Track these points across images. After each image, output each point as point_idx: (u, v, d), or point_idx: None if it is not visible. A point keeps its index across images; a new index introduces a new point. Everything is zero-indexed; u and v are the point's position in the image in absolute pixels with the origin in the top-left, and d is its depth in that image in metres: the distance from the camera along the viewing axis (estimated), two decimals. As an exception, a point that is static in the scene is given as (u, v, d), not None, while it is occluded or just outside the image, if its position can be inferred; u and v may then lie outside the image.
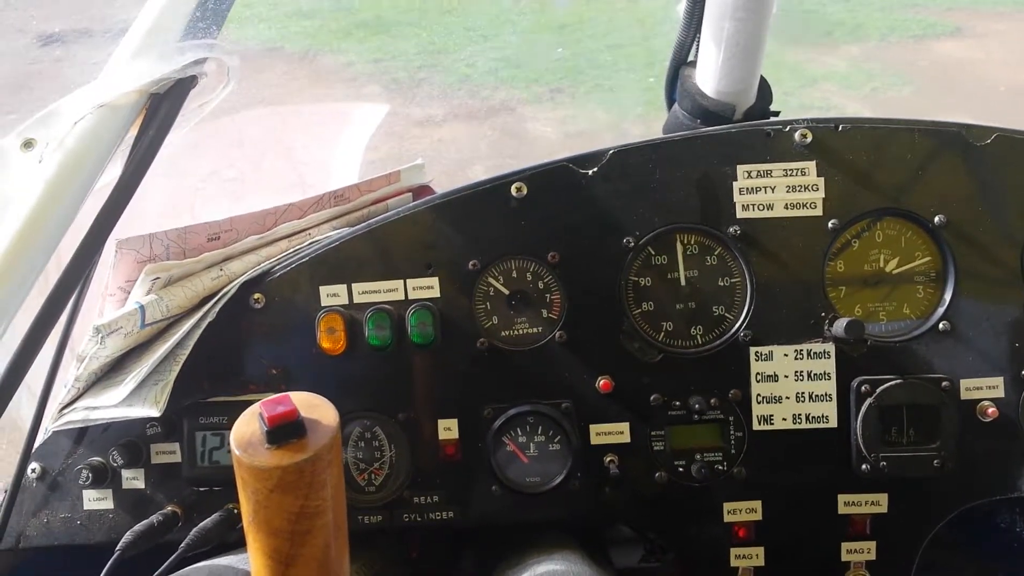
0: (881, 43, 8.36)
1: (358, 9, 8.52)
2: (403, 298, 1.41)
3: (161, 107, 1.27)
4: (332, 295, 1.41)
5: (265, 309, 1.41)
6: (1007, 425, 1.40)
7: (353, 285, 1.41)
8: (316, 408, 0.82)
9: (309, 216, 1.53)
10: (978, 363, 1.41)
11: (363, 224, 1.44)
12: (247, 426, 0.81)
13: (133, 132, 1.29)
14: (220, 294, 1.38)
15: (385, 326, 1.39)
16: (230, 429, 1.32)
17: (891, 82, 7.43)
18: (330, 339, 1.39)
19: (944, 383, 1.38)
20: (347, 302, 1.41)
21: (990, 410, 1.37)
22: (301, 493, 0.78)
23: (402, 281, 1.41)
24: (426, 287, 1.41)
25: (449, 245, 1.42)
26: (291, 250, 1.46)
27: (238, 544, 1.35)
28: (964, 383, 1.40)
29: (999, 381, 1.40)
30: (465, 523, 1.43)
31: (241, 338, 1.42)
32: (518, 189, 1.41)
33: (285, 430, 0.78)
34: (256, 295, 1.41)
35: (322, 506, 0.80)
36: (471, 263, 1.41)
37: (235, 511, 1.36)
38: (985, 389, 1.40)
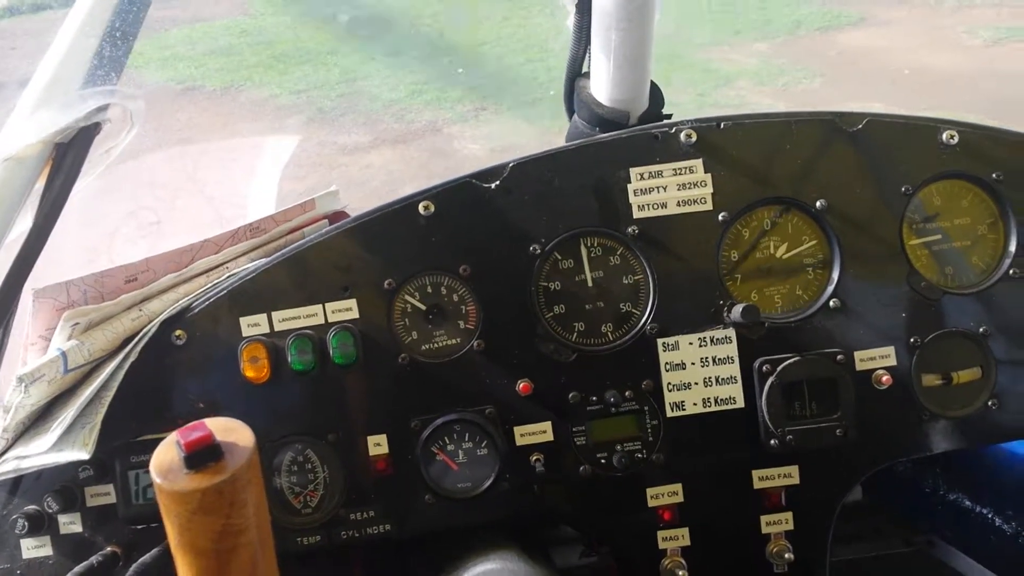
0: (789, 37, 8.65)
1: (276, 42, 8.52)
2: (323, 322, 1.45)
3: (67, 156, 1.31)
4: (253, 325, 1.45)
5: (187, 345, 1.44)
6: (902, 391, 1.50)
7: (273, 313, 1.45)
8: (232, 431, 0.86)
9: (226, 250, 1.56)
10: (869, 335, 1.50)
11: (278, 253, 1.48)
12: (165, 454, 0.85)
13: (41, 183, 1.32)
14: (141, 334, 1.41)
15: (307, 350, 1.43)
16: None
17: (801, 75, 7.70)
18: (254, 368, 1.43)
19: (839, 356, 1.48)
20: (268, 331, 1.45)
21: (884, 378, 1.47)
22: (223, 513, 0.82)
23: (321, 306, 1.46)
24: (345, 309, 1.46)
25: (364, 266, 1.47)
26: (209, 285, 1.50)
27: None
28: (858, 355, 1.49)
29: (891, 350, 1.50)
30: (402, 535, 1.48)
31: (166, 375, 1.44)
32: (425, 207, 1.47)
33: (202, 454, 0.82)
34: (177, 332, 1.43)
35: (244, 524, 0.84)
36: (387, 282, 1.46)
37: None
38: (878, 359, 1.50)
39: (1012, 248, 1.53)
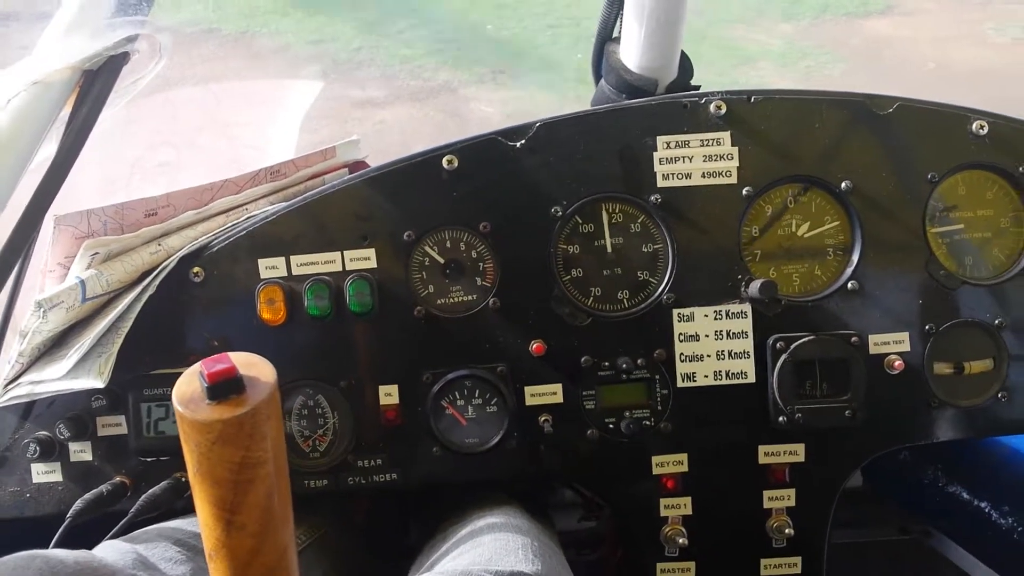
0: (815, 21, 8.54)
1: (295, -11, 8.41)
2: (341, 269, 1.46)
3: (95, 83, 1.29)
4: (271, 267, 1.45)
5: (205, 282, 1.44)
6: (913, 377, 1.50)
7: (291, 257, 1.45)
8: (254, 366, 0.87)
9: (246, 191, 1.56)
10: (885, 320, 1.50)
11: (299, 198, 1.48)
12: (188, 384, 0.85)
13: (67, 109, 1.31)
14: (160, 268, 1.41)
15: (324, 296, 1.43)
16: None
17: (824, 60, 7.61)
18: (270, 310, 1.43)
19: (853, 339, 1.48)
20: (286, 274, 1.45)
21: (897, 363, 1.47)
22: (242, 445, 0.82)
23: (339, 253, 1.45)
24: (363, 258, 1.46)
25: (384, 217, 1.47)
26: (228, 224, 1.49)
27: (186, 511, 1.39)
28: (872, 338, 1.50)
29: (905, 336, 1.50)
30: (408, 484, 1.49)
31: (182, 311, 1.45)
32: (449, 162, 1.46)
33: (224, 386, 0.82)
34: (195, 268, 1.44)
35: (263, 457, 0.85)
36: (406, 234, 1.46)
37: (183, 479, 1.40)
38: (892, 344, 1.50)
39: None
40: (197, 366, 0.86)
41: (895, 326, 1.51)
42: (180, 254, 1.43)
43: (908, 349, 1.50)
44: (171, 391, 0.85)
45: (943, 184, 1.52)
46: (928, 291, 1.51)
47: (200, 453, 0.84)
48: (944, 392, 1.51)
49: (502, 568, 1.15)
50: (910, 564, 2.62)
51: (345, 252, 1.46)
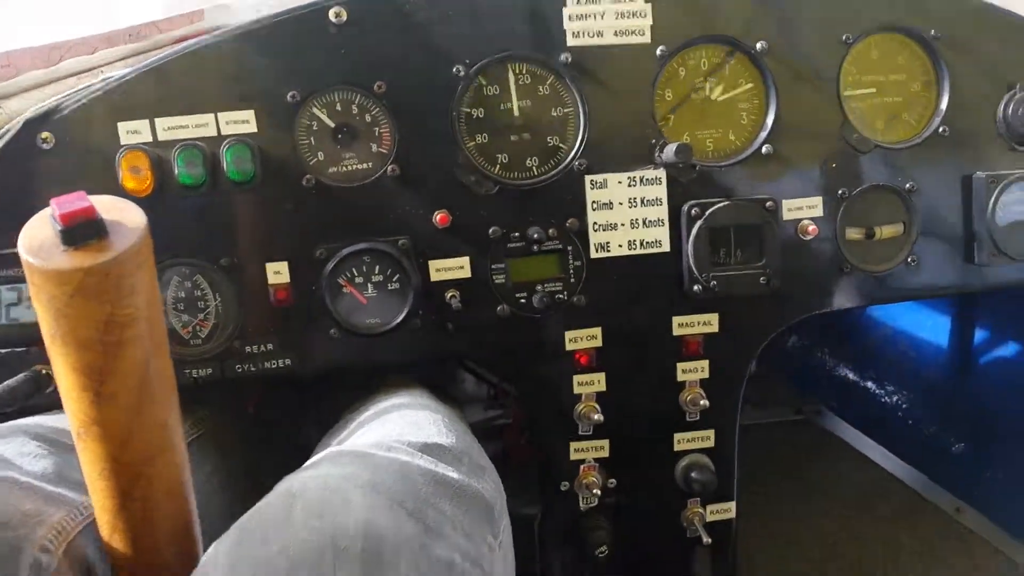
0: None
1: None
2: (216, 134, 1.29)
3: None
4: (133, 132, 1.27)
5: (56, 150, 1.25)
6: (825, 243, 1.48)
7: (157, 120, 1.27)
8: (120, 210, 0.72)
9: (101, 52, 1.36)
10: (799, 184, 1.46)
11: (165, 53, 1.29)
12: (37, 230, 0.70)
13: None
14: (0, 133, 1.22)
15: (197, 163, 1.27)
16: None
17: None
18: (135, 179, 1.26)
19: (768, 203, 1.43)
20: (151, 139, 1.28)
21: (811, 228, 1.44)
22: (108, 299, 0.69)
23: (213, 115, 1.29)
24: (241, 121, 1.29)
25: (264, 75, 1.30)
26: (82, 87, 1.30)
27: (50, 410, 1.23)
28: (786, 203, 1.45)
29: (818, 201, 1.47)
30: (304, 370, 1.37)
31: (31, 182, 1.26)
32: (337, 14, 1.30)
33: (82, 229, 0.68)
34: (44, 134, 1.24)
35: (134, 314, 0.71)
36: (290, 94, 1.30)
37: (44, 372, 1.23)
38: (805, 209, 1.46)
39: (943, 107, 1.50)
40: (47, 209, 0.71)
41: (808, 190, 1.47)
42: (24, 117, 1.23)
43: (821, 214, 1.47)
44: (23, 272, 0.70)
45: (856, 46, 1.47)
46: (841, 155, 1.47)
47: (56, 309, 0.70)
48: (856, 257, 1.49)
49: (414, 439, 1.06)
50: (805, 442, 2.72)
51: (220, 114, 1.29)
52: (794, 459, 2.55)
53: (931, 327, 2.39)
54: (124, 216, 0.72)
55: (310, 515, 0.81)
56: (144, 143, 1.27)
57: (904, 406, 2.46)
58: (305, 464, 1.03)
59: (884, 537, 2.12)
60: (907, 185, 1.49)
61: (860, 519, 2.21)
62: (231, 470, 1.40)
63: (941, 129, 1.50)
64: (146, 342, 0.74)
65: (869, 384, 2.60)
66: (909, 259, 1.50)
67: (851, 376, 2.69)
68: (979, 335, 2.21)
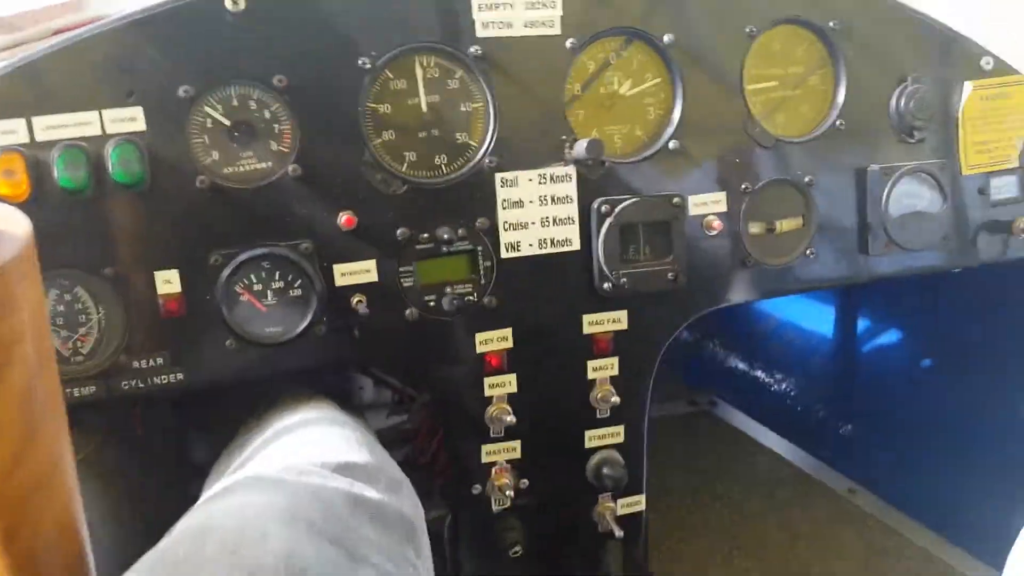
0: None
1: None
2: (100, 132, 1.18)
3: None
4: (7, 132, 1.15)
5: None
6: (729, 238, 1.50)
7: (34, 119, 1.16)
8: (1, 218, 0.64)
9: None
10: (704, 180, 1.48)
11: (43, 47, 1.18)
12: None
13: None
14: None
15: (80, 165, 1.16)
16: None
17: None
18: (9, 184, 1.14)
19: (675, 199, 1.44)
20: (28, 140, 1.16)
21: (716, 223, 1.45)
22: None
23: (97, 112, 1.18)
24: (128, 119, 1.19)
25: (154, 69, 1.20)
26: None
27: None
28: (692, 199, 1.46)
29: (722, 196, 1.49)
30: (198, 384, 1.28)
31: None
32: (234, 3, 1.22)
33: None
34: None
35: (18, 333, 0.63)
36: (183, 89, 1.21)
37: None
38: (710, 204, 1.48)
39: (840, 100, 1.54)
40: None
41: (713, 186, 1.48)
42: None
43: (725, 209, 1.49)
44: None
45: (759, 39, 1.49)
46: (745, 150, 1.49)
47: None
48: (758, 251, 1.52)
49: (327, 459, 1.00)
50: (701, 433, 2.78)
51: (104, 112, 1.19)
52: (692, 450, 2.61)
53: (816, 316, 2.49)
54: (4, 223, 0.64)
55: (224, 551, 0.75)
56: (19, 144, 1.15)
57: (793, 393, 2.55)
58: (209, 492, 0.96)
59: (782, 521, 2.19)
60: (806, 179, 1.52)
61: (760, 504, 2.27)
62: (116, 496, 1.30)
63: (838, 123, 1.54)
64: (32, 361, 0.66)
65: (759, 373, 2.69)
66: (808, 252, 1.54)
67: (741, 366, 2.78)
68: (862, 322, 2.31)
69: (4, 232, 0.62)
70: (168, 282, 1.24)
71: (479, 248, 1.37)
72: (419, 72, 1.33)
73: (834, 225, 1.56)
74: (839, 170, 1.56)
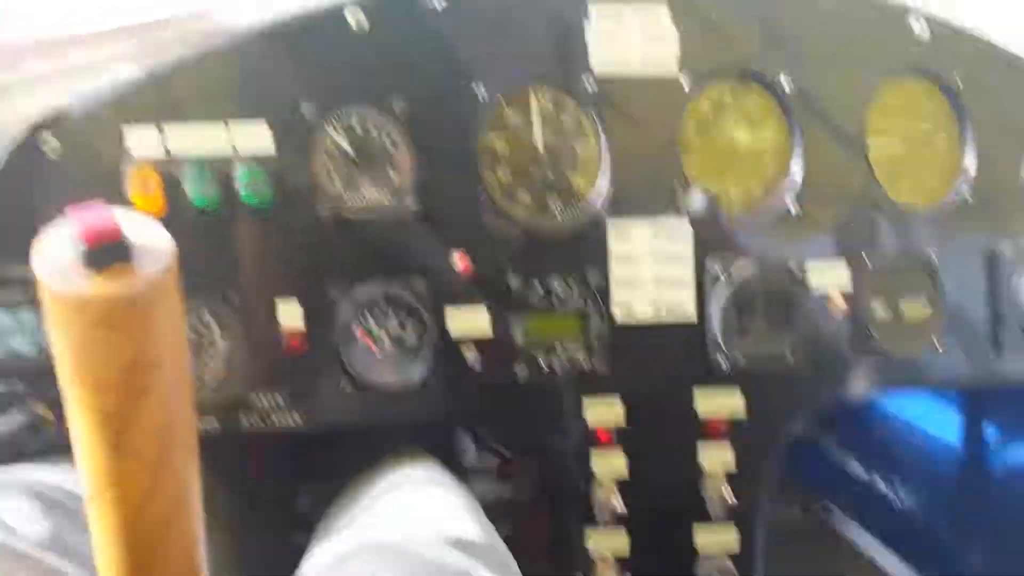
0: None
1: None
2: (228, 148, 1.20)
3: None
4: (142, 140, 1.18)
5: (63, 159, 1.16)
6: (851, 318, 1.38)
7: (167, 129, 1.18)
8: (143, 230, 0.62)
9: (108, 50, 1.30)
10: (824, 248, 1.37)
11: (174, 55, 1.21)
12: (55, 246, 0.59)
13: None
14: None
15: (211, 183, 1.18)
16: (27, 307, 1.07)
17: None
18: (146, 199, 1.16)
19: (796, 270, 1.35)
20: (162, 151, 1.18)
21: (841, 303, 1.35)
22: (133, 335, 0.57)
23: (225, 126, 1.19)
24: (255, 135, 1.20)
25: (277, 82, 1.21)
26: (88, 87, 1.21)
27: (46, 454, 1.10)
28: (812, 268, 1.36)
29: (845, 270, 1.38)
30: (313, 429, 1.23)
31: (35, 195, 1.16)
32: (356, 19, 1.23)
33: (107, 250, 0.57)
34: (50, 141, 1.16)
35: (159, 355, 0.60)
36: (307, 109, 1.21)
37: (39, 412, 1.13)
38: (833, 277, 1.37)
39: (968, 166, 1.42)
40: (64, 223, 0.59)
41: (834, 256, 1.37)
42: (32, 121, 1.15)
43: (848, 284, 1.37)
44: (22, 296, 0.59)
45: (881, 89, 1.39)
46: (868, 219, 1.38)
47: (77, 343, 0.58)
48: (882, 337, 1.39)
49: (444, 531, 0.98)
50: (812, 543, 2.58)
51: (232, 127, 1.20)
52: (803, 563, 2.42)
53: (944, 419, 2.29)
54: (149, 237, 0.62)
55: None
56: (154, 157, 1.18)
57: (915, 508, 2.34)
58: (322, 550, 0.96)
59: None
60: (934, 257, 1.40)
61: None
62: (220, 542, 1.28)
63: (966, 191, 1.42)
64: (172, 385, 0.63)
65: (879, 482, 2.49)
66: (936, 342, 1.40)
67: (857, 471, 2.58)
68: (997, 430, 2.11)
69: (149, 248, 0.59)
70: (290, 316, 1.22)
71: (590, 305, 1.31)
72: (534, 106, 1.29)
73: (964, 315, 1.42)
74: (968, 250, 1.42)
